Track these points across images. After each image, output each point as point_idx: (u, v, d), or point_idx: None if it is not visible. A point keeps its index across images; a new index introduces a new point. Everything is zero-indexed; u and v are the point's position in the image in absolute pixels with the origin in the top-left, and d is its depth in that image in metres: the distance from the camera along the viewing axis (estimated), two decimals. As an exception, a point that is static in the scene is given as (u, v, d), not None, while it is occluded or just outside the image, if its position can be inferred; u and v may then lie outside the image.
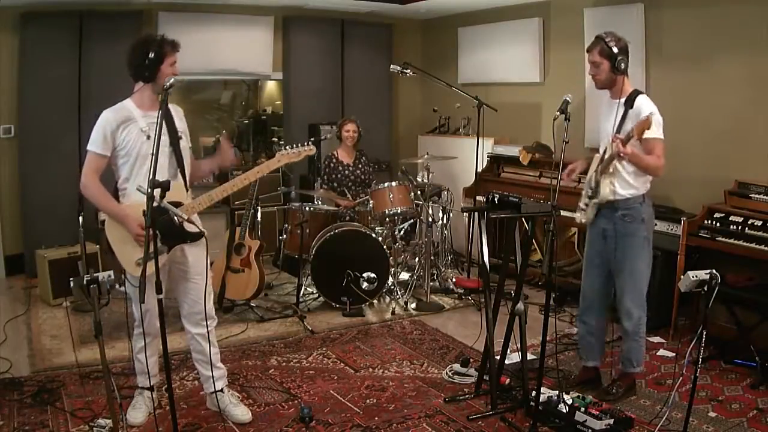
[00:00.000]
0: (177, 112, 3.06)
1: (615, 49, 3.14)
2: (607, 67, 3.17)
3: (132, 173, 2.88)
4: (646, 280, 3.31)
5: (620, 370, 3.47)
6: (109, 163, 2.90)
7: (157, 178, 2.56)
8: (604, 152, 3.29)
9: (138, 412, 3.10)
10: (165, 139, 2.90)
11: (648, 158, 3.14)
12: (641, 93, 3.22)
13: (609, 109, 3.32)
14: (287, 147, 3.09)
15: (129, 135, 2.84)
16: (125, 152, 2.86)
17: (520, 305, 3.19)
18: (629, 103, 3.19)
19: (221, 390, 3.17)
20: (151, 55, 2.80)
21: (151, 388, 3.05)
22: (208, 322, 3.09)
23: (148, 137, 2.85)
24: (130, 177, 2.88)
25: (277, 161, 3.06)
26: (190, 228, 2.89)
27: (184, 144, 3.03)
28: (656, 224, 4.33)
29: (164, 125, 2.89)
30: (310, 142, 3.13)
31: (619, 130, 3.20)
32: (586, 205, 3.37)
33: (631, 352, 3.37)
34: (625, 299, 3.31)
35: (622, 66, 3.17)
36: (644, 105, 3.16)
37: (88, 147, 2.86)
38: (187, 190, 2.99)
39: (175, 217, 2.78)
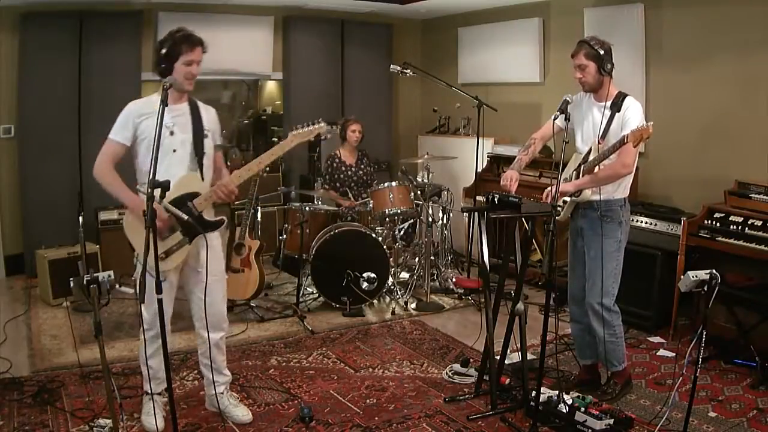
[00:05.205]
0: (208, 112, 3.05)
1: (601, 51, 3.13)
2: (593, 69, 3.16)
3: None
4: (616, 284, 3.31)
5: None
6: (131, 157, 2.89)
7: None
8: (588, 152, 3.28)
9: (152, 417, 2.93)
10: (188, 137, 2.91)
11: (602, 174, 3.16)
12: (627, 95, 3.21)
13: (588, 110, 3.31)
14: (298, 126, 3.03)
15: (150, 126, 2.81)
16: (146, 143, 2.83)
17: (520, 305, 3.19)
18: (616, 105, 3.18)
19: (221, 393, 3.16)
20: (164, 51, 2.81)
21: (161, 393, 3.03)
22: (223, 326, 3.10)
23: (172, 133, 2.85)
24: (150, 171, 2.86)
25: (290, 141, 3.01)
26: (208, 217, 2.91)
27: (209, 142, 3.01)
28: (655, 224, 4.36)
29: (190, 121, 2.92)
30: (320, 120, 3.04)
31: (605, 133, 3.19)
32: (564, 202, 3.37)
33: (610, 353, 3.36)
34: (594, 302, 3.30)
35: (608, 67, 3.16)
36: (633, 108, 3.16)
37: (109, 135, 2.86)
38: (203, 180, 2.98)
39: (193, 208, 2.81)
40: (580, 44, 3.21)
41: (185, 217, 2.77)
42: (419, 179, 5.45)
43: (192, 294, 3.05)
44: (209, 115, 3.06)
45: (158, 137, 2.57)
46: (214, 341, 3.05)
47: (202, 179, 2.97)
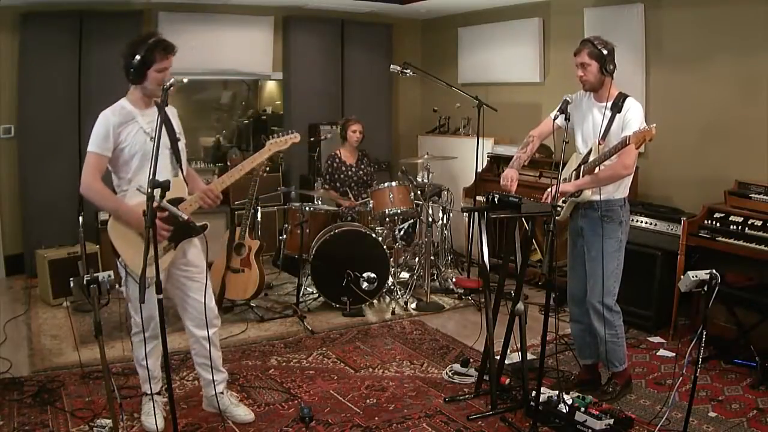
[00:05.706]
0: (171, 111, 3.03)
1: (604, 51, 3.14)
2: (595, 68, 3.16)
3: (137, 173, 2.84)
4: (617, 283, 3.31)
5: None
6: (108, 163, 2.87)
7: (160, 176, 2.53)
8: (588, 153, 3.28)
9: (152, 418, 2.98)
10: (165, 140, 2.89)
11: (603, 174, 3.16)
12: (628, 96, 3.21)
13: (588, 111, 3.31)
14: (275, 135, 3.11)
15: (130, 134, 2.82)
16: (128, 151, 2.82)
17: (520, 305, 3.19)
18: (617, 106, 3.18)
19: (221, 392, 3.16)
20: (137, 58, 2.77)
21: (160, 393, 3.03)
22: (215, 322, 3.08)
23: (152, 138, 2.83)
24: (134, 178, 2.85)
25: (268, 150, 3.07)
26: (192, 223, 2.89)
27: (182, 146, 3.01)
28: (655, 224, 4.36)
29: (164, 126, 2.89)
30: (292, 131, 3.16)
31: (606, 134, 3.19)
32: (564, 202, 3.37)
33: (611, 353, 3.36)
34: (596, 302, 3.30)
35: (610, 67, 3.16)
36: (633, 109, 3.15)
37: (89, 148, 2.81)
38: (186, 185, 2.98)
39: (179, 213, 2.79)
40: (583, 43, 3.21)
41: (185, 216, 2.77)
42: (419, 179, 5.45)
43: (185, 295, 3.04)
44: (173, 115, 3.03)
45: (158, 137, 2.56)
46: (207, 337, 3.06)
47: (186, 184, 2.97)
